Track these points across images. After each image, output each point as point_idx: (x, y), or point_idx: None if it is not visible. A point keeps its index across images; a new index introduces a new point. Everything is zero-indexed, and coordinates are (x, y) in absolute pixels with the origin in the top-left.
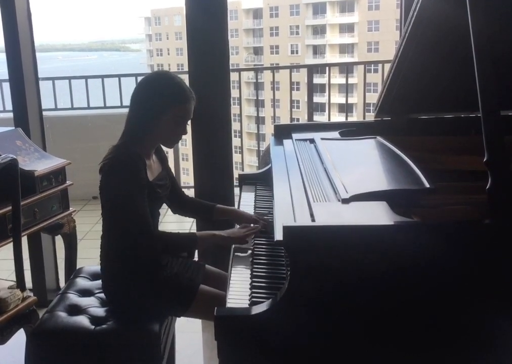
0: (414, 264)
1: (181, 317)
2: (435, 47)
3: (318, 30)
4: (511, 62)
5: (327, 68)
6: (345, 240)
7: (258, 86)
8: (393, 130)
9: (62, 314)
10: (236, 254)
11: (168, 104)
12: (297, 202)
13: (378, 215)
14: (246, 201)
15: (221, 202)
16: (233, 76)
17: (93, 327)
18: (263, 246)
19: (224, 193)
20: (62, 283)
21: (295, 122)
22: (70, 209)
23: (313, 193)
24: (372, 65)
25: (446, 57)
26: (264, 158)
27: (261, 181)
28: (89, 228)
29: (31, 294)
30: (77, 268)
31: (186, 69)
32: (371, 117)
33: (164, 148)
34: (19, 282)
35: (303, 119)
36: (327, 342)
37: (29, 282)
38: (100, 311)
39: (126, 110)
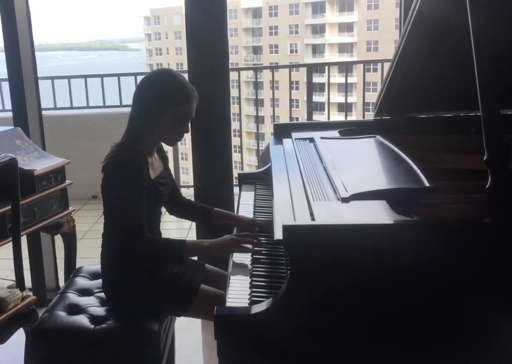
0: (413, 263)
1: (181, 316)
2: (435, 46)
3: (318, 29)
4: (511, 61)
5: (327, 67)
6: (345, 239)
7: (257, 85)
8: (392, 129)
9: (62, 314)
10: (235, 254)
11: (171, 103)
12: (296, 202)
13: (378, 214)
14: (245, 201)
15: (221, 202)
16: (233, 75)
17: (92, 326)
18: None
19: (224, 192)
20: (61, 283)
21: (295, 121)
22: (70, 208)
23: (313, 192)
24: (371, 64)
25: (446, 56)
26: (264, 157)
27: (261, 180)
28: (89, 227)
29: (31, 293)
30: (77, 267)
31: (185, 68)
32: (370, 116)
33: (164, 146)
34: (19, 282)
35: (302, 118)
36: (326, 341)
37: (28, 282)
38: (100, 311)
39: (126, 109)
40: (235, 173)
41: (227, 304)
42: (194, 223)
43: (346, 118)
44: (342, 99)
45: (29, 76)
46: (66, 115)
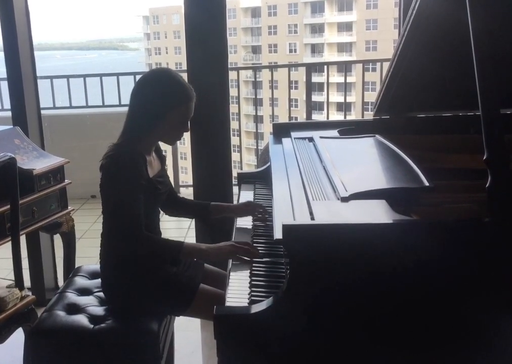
0: (413, 262)
1: (180, 316)
2: (434, 46)
3: (317, 29)
4: (510, 60)
5: (326, 67)
6: (345, 239)
7: (256, 85)
8: (392, 129)
9: (61, 313)
10: None
11: (170, 104)
12: (296, 201)
13: (378, 213)
14: (245, 200)
15: (220, 201)
16: (232, 75)
17: (92, 326)
18: (262, 245)
19: (223, 192)
20: (61, 282)
21: (294, 121)
22: (69, 207)
23: (313, 192)
24: (370, 64)
25: (445, 56)
26: (263, 157)
27: (260, 179)
28: (88, 227)
29: (30, 293)
30: (76, 267)
31: (184, 67)
32: (369, 115)
33: (163, 146)
34: (18, 281)
35: (301, 117)
36: (326, 341)
37: (27, 281)
38: (99, 310)
39: (125, 109)
40: (234, 172)
41: (227, 304)
42: (194, 223)
43: (345, 117)
44: (341, 99)
45: (28, 75)
46: (65, 114)
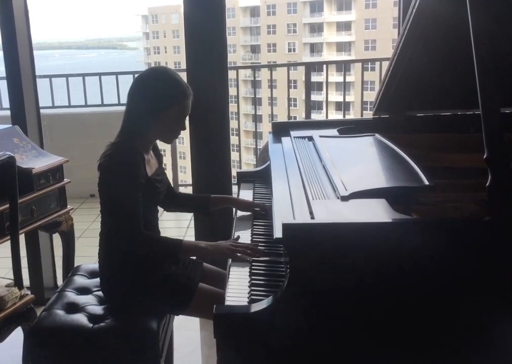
0: (413, 261)
1: (180, 315)
2: (434, 45)
3: (316, 28)
4: (511, 59)
5: (325, 66)
6: (345, 238)
7: (255, 84)
8: (391, 128)
9: (60, 312)
10: None
11: (167, 102)
12: (296, 200)
13: (378, 212)
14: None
15: None
16: (231, 74)
17: (91, 325)
18: (262, 244)
19: (223, 191)
20: (60, 281)
21: (293, 120)
22: (68, 206)
23: (312, 191)
24: (369, 63)
25: (445, 55)
26: (262, 156)
27: (260, 179)
28: (87, 226)
29: (29, 292)
30: (75, 266)
31: (183, 67)
32: (368, 115)
33: (162, 145)
34: (17, 280)
35: (300, 117)
36: (326, 340)
37: (26, 280)
38: (98, 309)
39: (124, 108)
40: (233, 171)
41: (227, 303)
42: (193, 222)
43: (344, 117)
44: (340, 98)
45: (27, 75)
46: (64, 113)
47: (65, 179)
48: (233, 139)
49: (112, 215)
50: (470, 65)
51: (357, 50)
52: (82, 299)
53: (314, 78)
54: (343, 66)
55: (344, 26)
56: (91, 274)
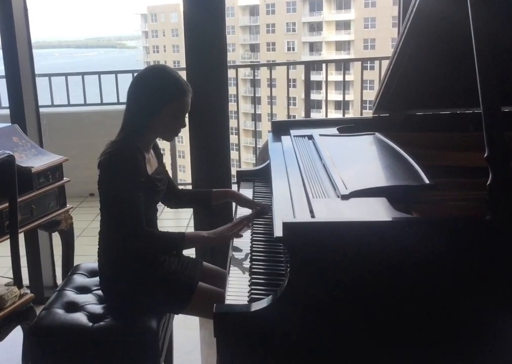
0: (413, 260)
1: (179, 314)
2: (434, 44)
3: (315, 27)
4: (511, 58)
5: (324, 65)
6: (345, 237)
7: (255, 83)
8: (391, 126)
9: (59, 311)
10: (234, 252)
11: (166, 100)
12: (296, 199)
13: (378, 211)
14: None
15: None
16: (230, 73)
17: (90, 324)
18: (262, 243)
19: None
20: (59, 280)
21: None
22: (67, 205)
23: (313, 190)
24: (369, 62)
25: (445, 54)
26: (262, 155)
27: (259, 177)
28: (86, 225)
29: (28, 291)
30: (74, 265)
31: (182, 65)
32: (368, 114)
33: (161, 144)
34: (17, 279)
35: (299, 116)
36: (326, 339)
37: (26, 279)
38: (97, 308)
39: (123, 107)
40: (233, 170)
41: (227, 302)
42: (192, 221)
43: (343, 115)
44: (339, 97)
45: (27, 73)
46: (63, 112)
47: (64, 178)
48: (232, 138)
49: (113, 214)
50: (470, 64)
51: (357, 49)
52: (81, 298)
53: (314, 77)
54: (343, 65)
55: (344, 25)
56: (91, 273)
